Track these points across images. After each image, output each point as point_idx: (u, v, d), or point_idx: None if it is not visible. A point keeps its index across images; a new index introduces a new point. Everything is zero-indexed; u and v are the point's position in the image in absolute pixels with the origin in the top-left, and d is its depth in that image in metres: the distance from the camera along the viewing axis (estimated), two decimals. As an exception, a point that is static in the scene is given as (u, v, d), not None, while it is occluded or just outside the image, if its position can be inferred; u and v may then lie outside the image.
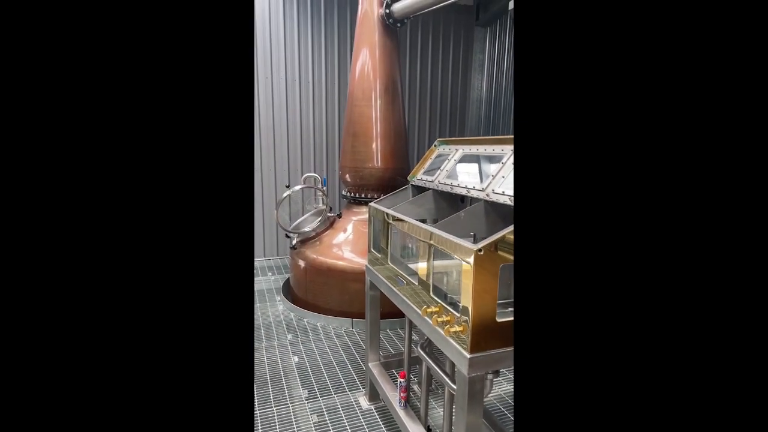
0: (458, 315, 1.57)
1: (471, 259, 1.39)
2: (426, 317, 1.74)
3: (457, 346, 1.53)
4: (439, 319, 1.62)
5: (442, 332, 1.63)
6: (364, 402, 2.66)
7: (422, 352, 2.15)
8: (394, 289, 2.12)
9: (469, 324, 1.45)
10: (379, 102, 3.94)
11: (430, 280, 1.75)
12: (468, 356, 1.46)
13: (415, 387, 2.81)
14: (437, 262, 1.74)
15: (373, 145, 3.98)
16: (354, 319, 3.71)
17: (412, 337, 2.44)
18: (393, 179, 4.08)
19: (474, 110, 6.72)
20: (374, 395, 2.64)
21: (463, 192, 2.02)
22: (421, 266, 1.84)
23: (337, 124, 5.78)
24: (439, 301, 1.70)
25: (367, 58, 3.93)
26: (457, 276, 1.74)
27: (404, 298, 2.00)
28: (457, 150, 2.32)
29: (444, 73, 6.37)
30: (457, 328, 1.52)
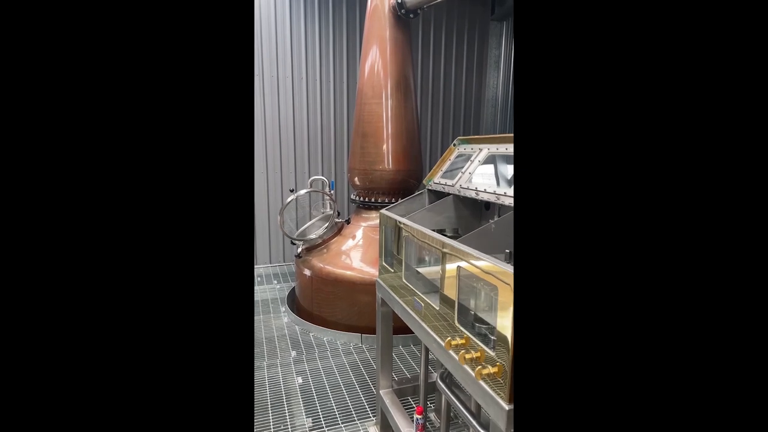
0: (490, 351, 1.27)
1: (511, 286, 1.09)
2: (451, 352, 1.45)
3: (492, 393, 1.23)
4: (467, 356, 1.32)
5: (471, 372, 1.33)
6: (375, 433, 2.37)
7: (442, 385, 1.86)
8: (410, 311, 1.82)
9: (508, 366, 1.15)
10: (390, 100, 3.66)
11: (455, 306, 1.45)
12: (507, 408, 1.16)
13: (432, 416, 2.51)
14: (464, 282, 1.45)
15: (384, 146, 3.70)
16: (363, 335, 3.42)
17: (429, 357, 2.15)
18: (405, 182, 3.79)
19: (489, 110, 6.39)
20: (386, 426, 2.34)
21: (491, 199, 1.72)
22: (443, 285, 1.55)
23: (345, 124, 5.50)
24: (466, 332, 1.41)
25: (378, 53, 3.66)
26: (487, 299, 1.44)
27: (422, 323, 1.70)
28: (481, 150, 2.02)
29: (458, 70, 6.06)
30: (491, 369, 1.23)
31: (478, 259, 1.29)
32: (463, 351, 1.32)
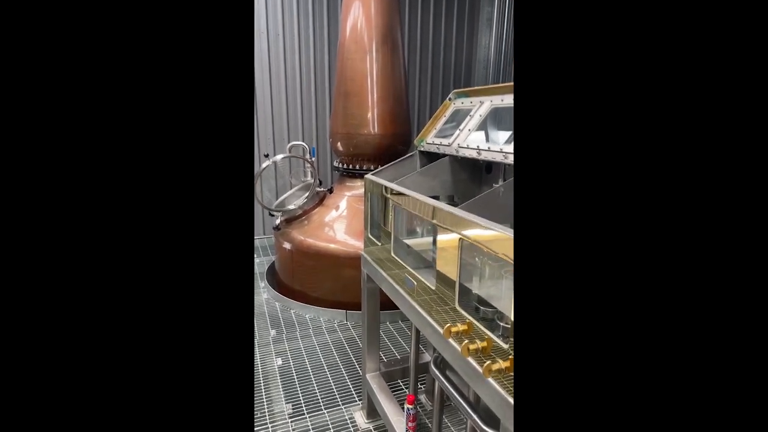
0: (499, 341, 1.04)
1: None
2: (451, 340, 1.21)
3: (505, 394, 1.00)
4: (472, 347, 1.08)
5: (477, 367, 1.10)
6: (361, 419, 2.18)
7: (436, 371, 1.64)
8: (401, 291, 1.58)
9: (526, 363, 0.92)
10: (375, 55, 3.30)
11: (456, 286, 1.21)
12: (523, 413, 0.94)
13: (423, 398, 2.33)
14: (466, 258, 1.20)
15: (369, 107, 3.36)
16: (348, 311, 3.20)
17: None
18: (392, 147, 3.48)
19: (480, 72, 6.03)
20: (373, 411, 2.15)
21: (496, 158, 1.45)
22: (440, 261, 1.30)
23: (327, 84, 5.08)
24: (468, 316, 1.17)
25: (361, 3, 3.26)
26: (494, 277, 1.20)
27: (415, 305, 1.46)
28: (482, 103, 1.73)
29: (447, 29, 5.63)
30: (502, 364, 1.00)
31: (486, 228, 1.04)
32: (467, 341, 1.08)
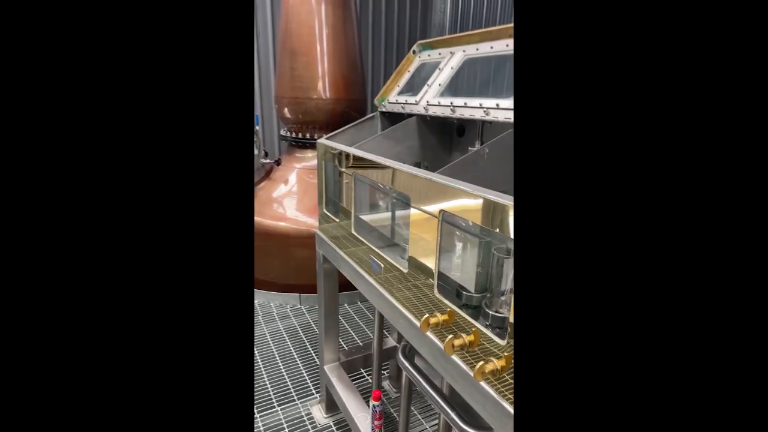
0: (491, 334, 0.85)
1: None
2: (430, 334, 1.00)
3: (499, 398, 0.81)
4: (457, 342, 0.88)
5: (464, 368, 0.90)
6: (320, 414, 1.97)
7: (405, 363, 1.45)
8: (365, 275, 1.35)
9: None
10: (325, 7, 2.92)
11: (435, 268, 0.99)
12: (528, 427, 0.75)
13: (386, 384, 2.16)
14: (448, 235, 0.98)
15: (319, 68, 3.01)
16: (302, 295, 2.94)
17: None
18: (346, 114, 3.17)
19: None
20: (332, 405, 1.94)
21: (477, 115, 1.22)
22: (414, 239, 1.07)
23: (270, 41, 4.57)
24: (451, 305, 0.96)
25: (307, -56, 2.85)
26: (484, 257, 1.00)
27: (384, 292, 1.24)
28: (452, 53, 1.49)
29: (401, -9, 5.28)
30: (497, 363, 0.80)
31: (475, 197, 0.82)
32: (451, 336, 0.88)
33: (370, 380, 2.17)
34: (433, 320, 0.96)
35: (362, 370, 2.21)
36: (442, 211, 0.93)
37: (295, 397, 2.05)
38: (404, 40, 5.53)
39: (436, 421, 1.93)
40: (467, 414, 1.18)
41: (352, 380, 1.86)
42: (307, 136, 3.18)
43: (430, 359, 1.03)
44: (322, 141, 1.60)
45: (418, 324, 1.05)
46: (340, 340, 2.39)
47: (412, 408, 2.00)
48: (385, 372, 2.21)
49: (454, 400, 1.27)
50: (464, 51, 1.44)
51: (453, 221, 0.97)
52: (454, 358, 0.92)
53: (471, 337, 0.89)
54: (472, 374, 0.87)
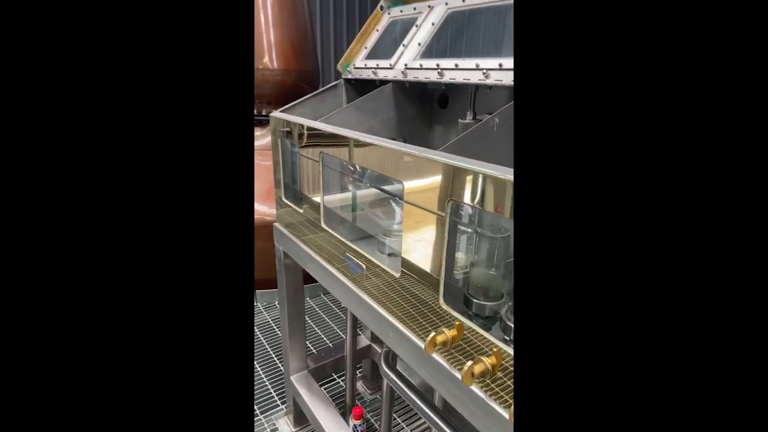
0: (507, 347, 0.66)
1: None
2: (436, 356, 0.80)
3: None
4: (477, 368, 0.68)
5: (480, 394, 0.71)
6: (287, 427, 1.74)
7: (389, 373, 1.26)
8: (341, 278, 1.11)
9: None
10: (268, -38, 2.54)
11: (441, 273, 0.78)
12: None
13: (360, 385, 1.97)
14: (453, 229, 0.77)
15: (264, 35, 2.65)
16: (259, 291, 2.65)
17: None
18: (297, 88, 2.84)
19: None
20: (301, 417, 1.72)
21: (474, 78, 1.00)
22: (408, 234, 0.85)
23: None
24: (459, 316, 0.76)
25: None
26: (503, 254, 0.81)
27: (369, 301, 1.01)
28: (431, 8, 1.25)
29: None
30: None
31: (498, 181, 0.61)
32: (470, 363, 0.68)
33: (342, 384, 1.96)
34: (440, 338, 0.76)
35: (334, 375, 2.00)
36: (451, 200, 0.71)
37: (258, 412, 1.80)
38: (354, 14, 5.17)
39: (418, 423, 1.77)
40: (465, 428, 1.01)
41: (322, 385, 1.64)
42: (256, 111, 2.82)
43: (434, 384, 0.83)
44: (277, 114, 1.31)
45: (413, 337, 0.84)
46: (307, 343, 2.15)
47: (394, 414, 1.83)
48: (359, 372, 2.02)
49: (449, 416, 1.09)
50: (447, 4, 1.20)
51: (462, 212, 0.76)
52: (474, 389, 0.72)
53: (492, 360, 0.70)
54: (494, 406, 0.68)
